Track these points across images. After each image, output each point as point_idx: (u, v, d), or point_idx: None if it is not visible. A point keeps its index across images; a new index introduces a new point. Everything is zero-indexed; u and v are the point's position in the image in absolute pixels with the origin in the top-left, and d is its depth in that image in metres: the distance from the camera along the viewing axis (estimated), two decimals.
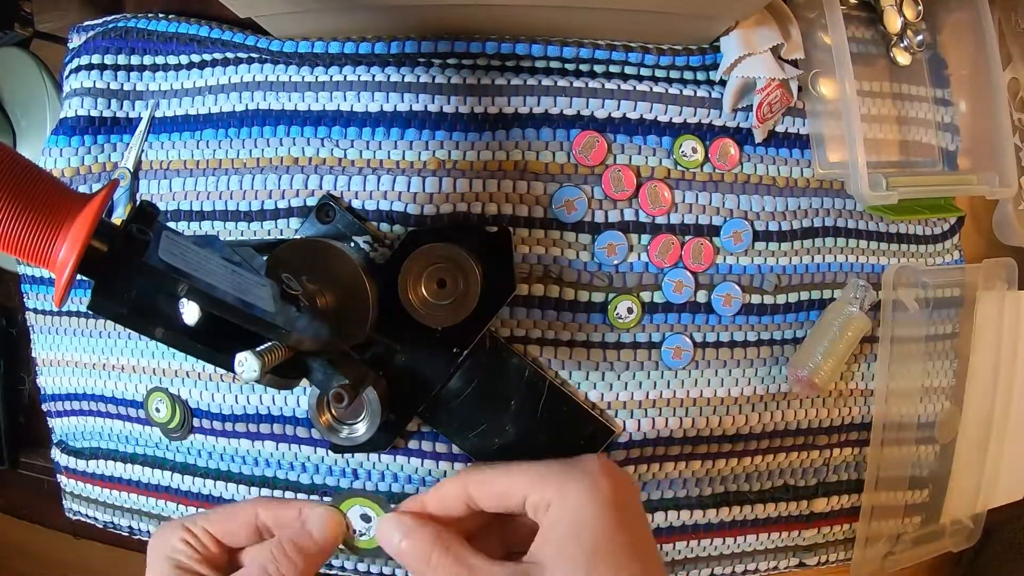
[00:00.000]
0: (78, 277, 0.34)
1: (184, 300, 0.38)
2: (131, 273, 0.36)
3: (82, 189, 0.66)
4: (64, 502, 0.76)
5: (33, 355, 0.75)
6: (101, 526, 0.75)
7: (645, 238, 0.65)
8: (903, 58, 0.70)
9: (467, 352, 0.62)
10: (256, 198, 0.65)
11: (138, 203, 0.38)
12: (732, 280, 0.66)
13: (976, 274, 0.70)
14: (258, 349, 0.41)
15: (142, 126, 0.68)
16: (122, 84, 0.69)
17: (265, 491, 0.68)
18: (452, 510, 0.45)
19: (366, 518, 0.49)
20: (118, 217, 0.68)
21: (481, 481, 0.44)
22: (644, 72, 0.65)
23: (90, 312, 0.70)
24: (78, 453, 0.74)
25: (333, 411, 0.63)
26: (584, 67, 0.65)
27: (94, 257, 0.34)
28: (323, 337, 0.45)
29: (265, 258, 0.52)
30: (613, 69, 0.65)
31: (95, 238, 0.34)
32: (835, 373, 0.67)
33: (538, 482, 0.42)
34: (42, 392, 0.75)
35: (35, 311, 0.73)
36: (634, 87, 0.65)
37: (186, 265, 0.37)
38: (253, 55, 0.66)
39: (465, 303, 0.59)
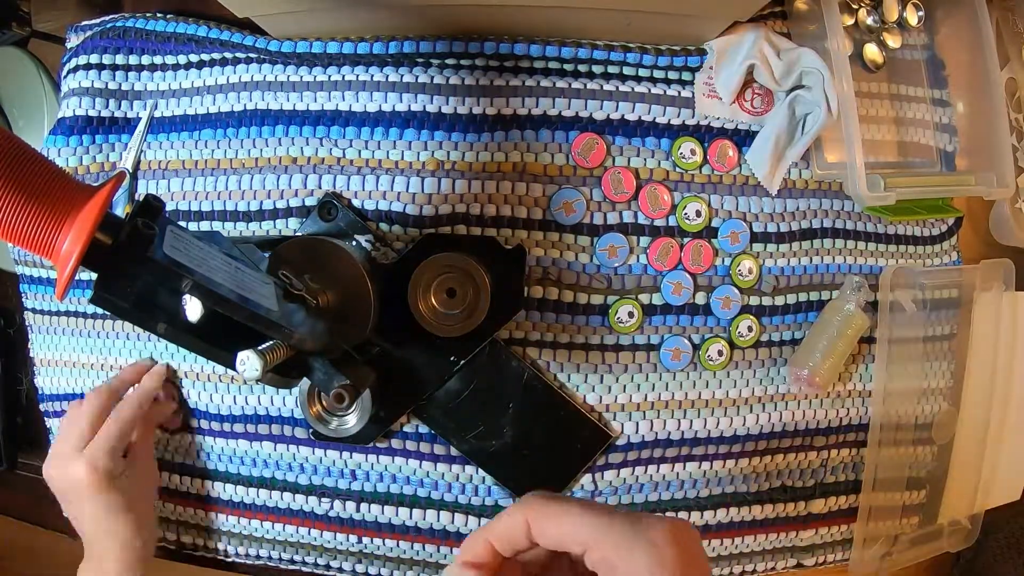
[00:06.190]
0: (80, 272, 0.34)
1: (187, 296, 0.38)
2: (135, 267, 0.36)
3: None
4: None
5: (31, 355, 0.75)
6: None
7: (644, 240, 0.65)
8: (877, 58, 0.70)
9: (464, 361, 0.62)
10: (255, 198, 0.65)
11: (144, 196, 0.38)
12: (731, 282, 0.66)
13: (973, 275, 0.70)
14: (260, 348, 0.41)
15: (141, 126, 0.68)
16: (120, 84, 0.69)
17: (263, 491, 0.68)
18: (517, 543, 0.42)
19: None
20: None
21: (543, 516, 0.41)
22: (643, 73, 0.65)
23: (89, 310, 0.70)
24: None
25: (324, 402, 0.63)
26: (583, 67, 0.65)
27: (98, 250, 0.34)
28: (325, 337, 0.45)
29: (267, 255, 0.52)
30: (612, 70, 0.65)
31: (100, 231, 0.34)
32: (835, 371, 0.67)
33: (602, 539, 0.39)
34: (40, 392, 0.75)
35: (33, 311, 0.73)
36: (632, 88, 0.65)
37: (190, 261, 0.37)
38: (252, 55, 0.66)
39: (474, 316, 0.58)
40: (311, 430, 0.65)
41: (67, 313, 0.71)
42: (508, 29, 0.63)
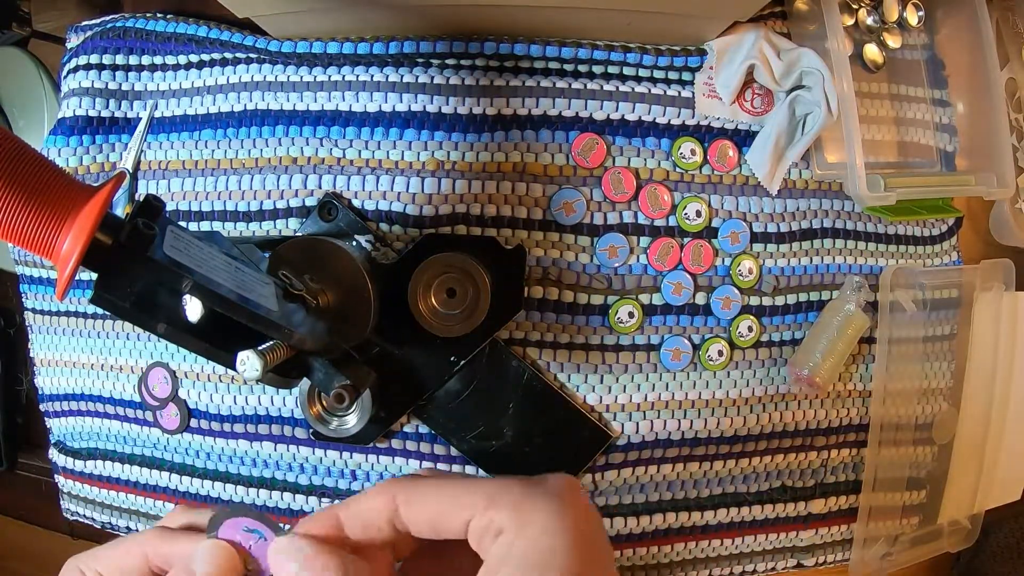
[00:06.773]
0: (80, 272, 0.34)
1: (187, 296, 0.38)
2: (135, 267, 0.35)
3: None
4: (62, 503, 0.76)
5: (31, 355, 0.75)
6: (99, 527, 0.75)
7: (644, 240, 0.65)
8: (877, 59, 0.70)
9: (464, 361, 0.62)
10: (255, 198, 0.65)
11: (144, 196, 0.38)
12: (731, 282, 0.66)
13: (974, 275, 0.70)
14: (260, 348, 0.41)
15: (141, 126, 0.68)
16: (120, 84, 0.69)
17: (263, 492, 0.68)
18: (375, 532, 0.34)
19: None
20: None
21: (413, 499, 0.34)
22: (643, 73, 0.65)
23: (89, 310, 0.70)
24: (76, 453, 0.74)
25: (324, 402, 0.63)
26: (583, 67, 0.64)
27: (98, 250, 0.34)
28: (325, 337, 0.45)
29: (267, 255, 0.52)
30: (612, 70, 0.65)
31: (100, 231, 0.34)
32: (835, 371, 0.67)
33: (487, 503, 0.33)
34: (40, 392, 0.75)
35: (34, 311, 0.73)
36: (632, 88, 0.65)
37: (190, 261, 0.37)
38: (252, 55, 0.66)
39: (474, 316, 0.58)
40: (311, 430, 0.65)
41: (67, 313, 0.71)
42: (508, 29, 0.63)
